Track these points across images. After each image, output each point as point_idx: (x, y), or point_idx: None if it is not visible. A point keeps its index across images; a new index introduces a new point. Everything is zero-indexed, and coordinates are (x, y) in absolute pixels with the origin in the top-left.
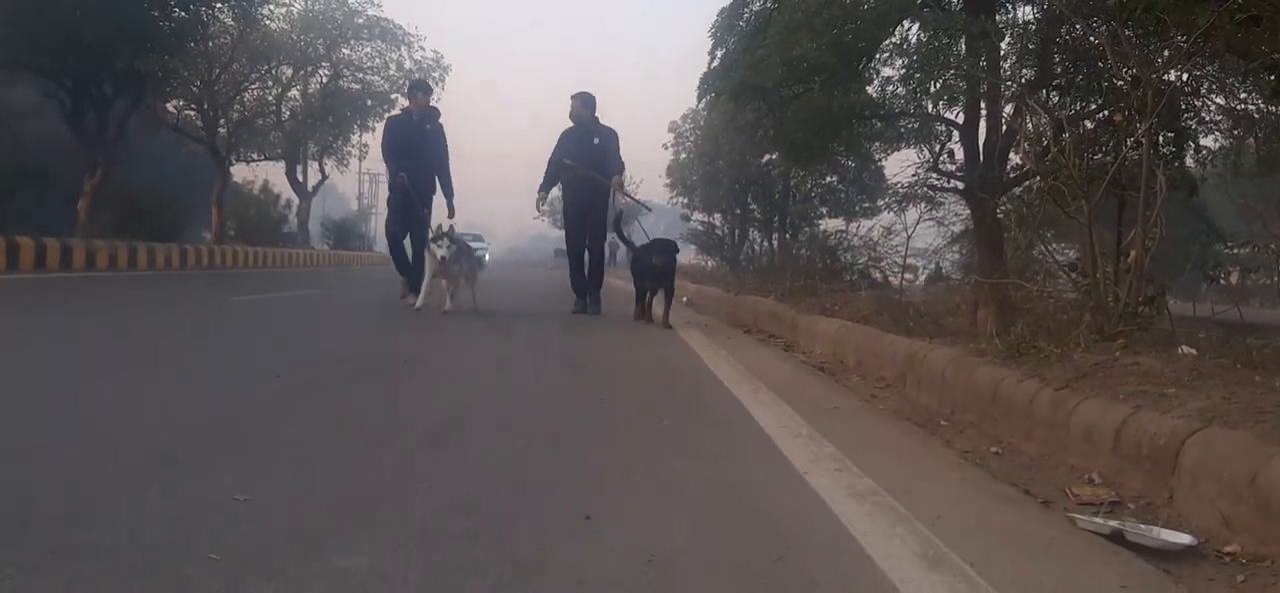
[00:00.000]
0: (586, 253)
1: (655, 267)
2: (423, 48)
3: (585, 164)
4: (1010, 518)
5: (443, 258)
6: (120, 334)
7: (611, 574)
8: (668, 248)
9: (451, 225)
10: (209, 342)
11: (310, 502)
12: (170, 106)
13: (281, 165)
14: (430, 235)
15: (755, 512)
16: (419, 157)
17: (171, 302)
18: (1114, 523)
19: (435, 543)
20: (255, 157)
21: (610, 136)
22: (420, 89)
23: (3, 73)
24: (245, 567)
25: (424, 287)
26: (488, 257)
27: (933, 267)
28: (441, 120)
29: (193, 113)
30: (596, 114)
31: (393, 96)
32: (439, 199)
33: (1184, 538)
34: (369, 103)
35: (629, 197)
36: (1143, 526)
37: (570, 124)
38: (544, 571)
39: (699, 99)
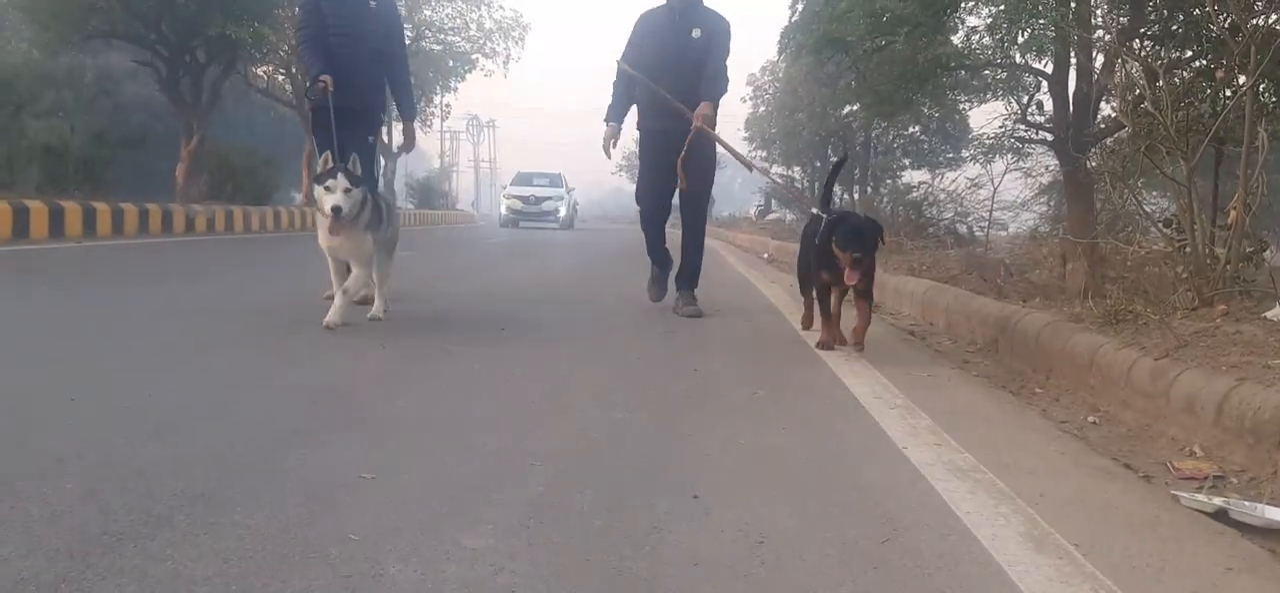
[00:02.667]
0: (679, 214)
1: (844, 260)
2: (502, 6)
3: (674, 70)
4: (1113, 495)
5: (335, 209)
6: (227, 303)
7: (724, 554)
8: (865, 234)
9: (355, 158)
10: (309, 310)
11: (431, 479)
12: (260, 72)
13: None
14: (318, 169)
15: (857, 489)
16: (357, 48)
17: (269, 267)
18: (1218, 500)
19: (554, 522)
20: None
21: (719, 31)
22: None
23: (100, 41)
24: (380, 546)
25: (334, 278)
26: (562, 211)
27: (1025, 225)
28: None
29: (282, 77)
30: None
31: (474, 57)
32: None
33: None
34: (450, 63)
35: (721, 140)
36: (1247, 503)
37: (660, 5)
38: (659, 550)
39: (779, 52)
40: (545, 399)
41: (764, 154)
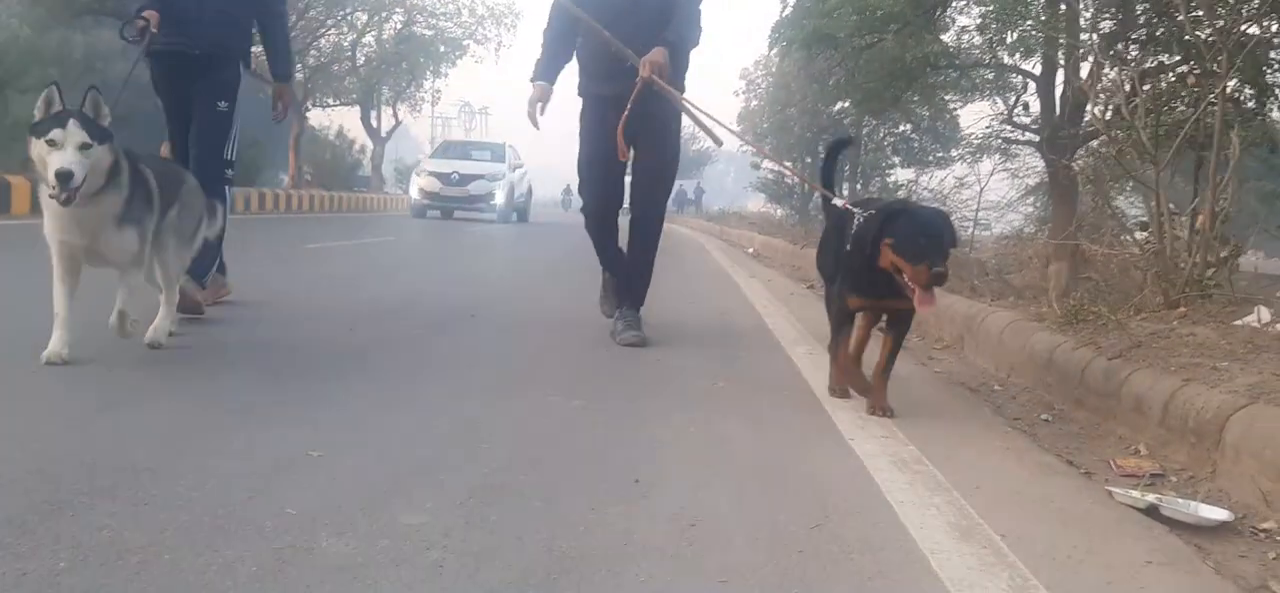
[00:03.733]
0: (626, 209)
1: (917, 278)
2: None
3: (629, 21)
4: (1050, 489)
5: (62, 175)
6: None
7: (656, 536)
8: (943, 232)
9: (95, 92)
10: (281, 292)
11: (379, 458)
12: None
13: (356, 111)
14: (37, 112)
15: (798, 477)
16: None
17: (246, 247)
18: (1151, 497)
19: (493, 502)
20: (331, 102)
21: None
22: None
23: (88, 17)
24: (316, 521)
25: (56, 287)
26: (499, 197)
27: (1011, 226)
28: None
29: None
30: None
31: (465, 43)
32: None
33: (1220, 514)
34: (442, 49)
35: (679, 99)
36: (1180, 500)
37: None
38: (592, 532)
39: (770, 47)
40: (505, 384)
41: (755, 149)
